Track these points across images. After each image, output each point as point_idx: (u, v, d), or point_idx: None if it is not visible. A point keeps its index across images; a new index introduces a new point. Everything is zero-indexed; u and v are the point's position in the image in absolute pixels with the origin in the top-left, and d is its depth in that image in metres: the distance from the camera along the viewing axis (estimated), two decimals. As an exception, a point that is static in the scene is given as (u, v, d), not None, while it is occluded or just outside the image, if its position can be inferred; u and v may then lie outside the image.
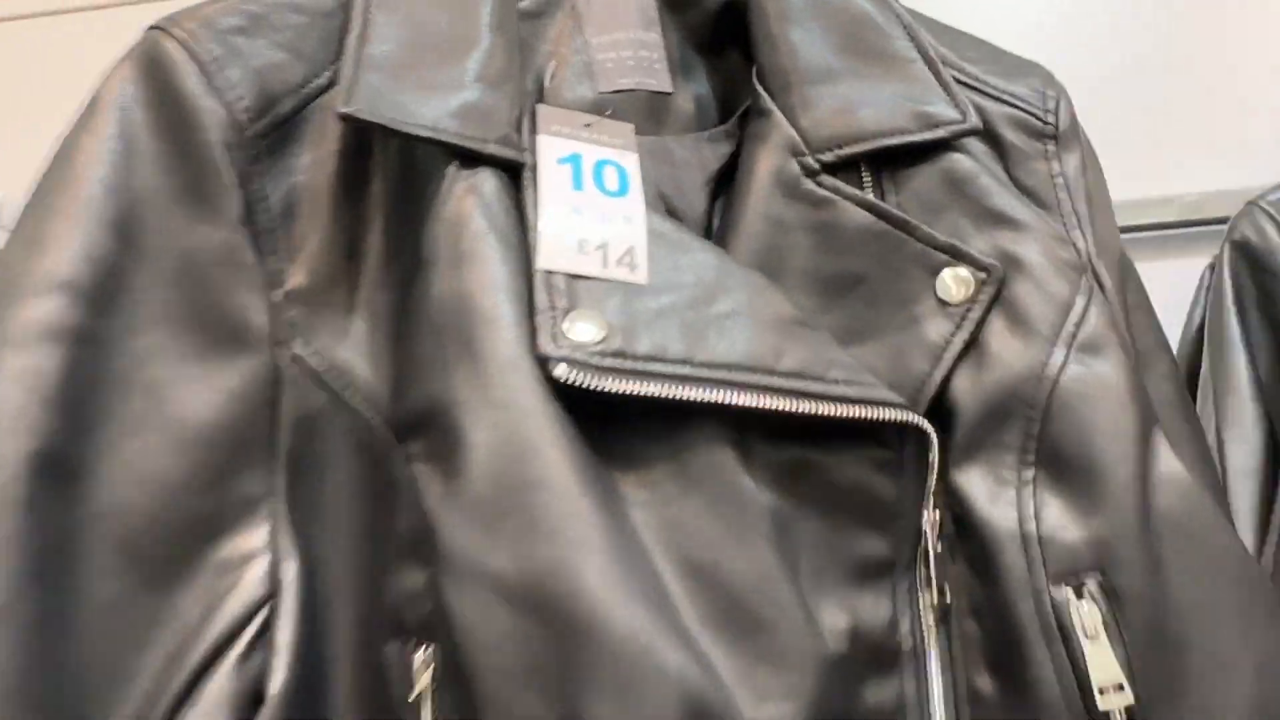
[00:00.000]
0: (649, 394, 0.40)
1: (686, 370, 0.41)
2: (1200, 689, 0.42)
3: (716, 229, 0.52)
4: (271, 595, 0.40)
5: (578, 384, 0.39)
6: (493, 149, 0.44)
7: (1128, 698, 0.41)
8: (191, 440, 0.40)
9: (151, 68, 0.43)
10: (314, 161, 0.45)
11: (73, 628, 0.37)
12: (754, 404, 0.41)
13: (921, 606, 0.45)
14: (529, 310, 0.41)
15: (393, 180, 0.46)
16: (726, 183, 0.53)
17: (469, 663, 0.37)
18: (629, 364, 0.41)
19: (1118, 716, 0.41)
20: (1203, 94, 1.02)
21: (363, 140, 0.46)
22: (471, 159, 0.44)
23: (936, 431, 0.45)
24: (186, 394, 0.41)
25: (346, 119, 0.42)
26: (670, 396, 0.41)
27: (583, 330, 0.41)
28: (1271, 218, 0.80)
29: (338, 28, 0.46)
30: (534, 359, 0.40)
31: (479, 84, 0.46)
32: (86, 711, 0.36)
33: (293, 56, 0.46)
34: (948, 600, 0.45)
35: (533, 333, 0.40)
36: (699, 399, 0.41)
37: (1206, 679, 0.42)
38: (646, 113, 0.53)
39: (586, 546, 0.37)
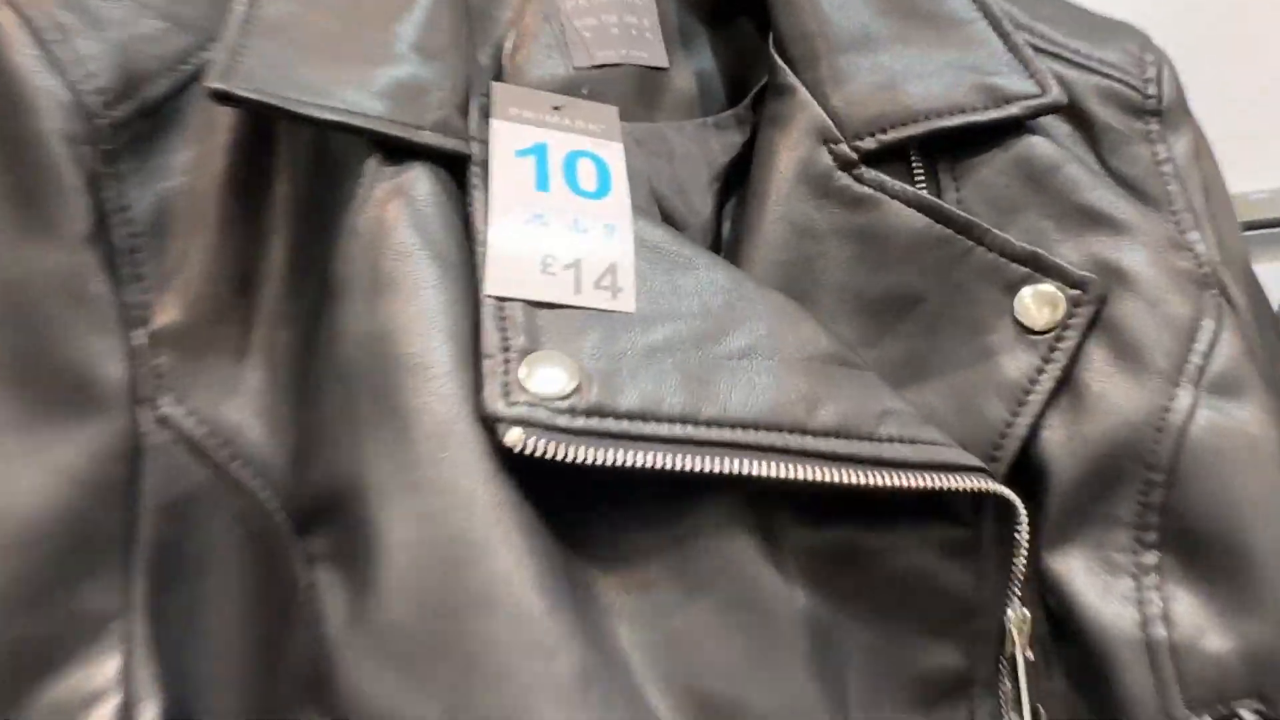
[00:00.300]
0: (639, 465, 0.29)
1: (689, 431, 0.30)
2: None
3: (727, 239, 0.41)
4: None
5: (539, 454, 0.28)
6: (428, 138, 0.33)
7: None
8: (12, 542, 0.29)
9: (-27, 39, 0.33)
10: (197, 160, 0.34)
11: None
12: (782, 475, 0.30)
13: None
14: (472, 354, 0.30)
15: (302, 183, 0.35)
16: (738, 180, 0.42)
17: None
18: (610, 424, 0.30)
19: None
20: None
21: (265, 131, 0.35)
22: (400, 152, 0.33)
23: (1023, 501, 0.34)
24: (6, 480, 0.30)
25: (220, 98, 0.31)
26: (668, 468, 0.29)
27: (546, 379, 0.30)
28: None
29: None
30: (477, 421, 0.29)
31: (414, 55, 0.35)
32: None
33: (171, 25, 0.35)
34: (1043, 725, 0.34)
35: (477, 384, 0.30)
36: (707, 470, 0.30)
37: None
38: (635, 93, 0.42)
39: (551, 693, 0.26)
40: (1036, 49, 0.40)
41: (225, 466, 0.32)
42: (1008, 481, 0.34)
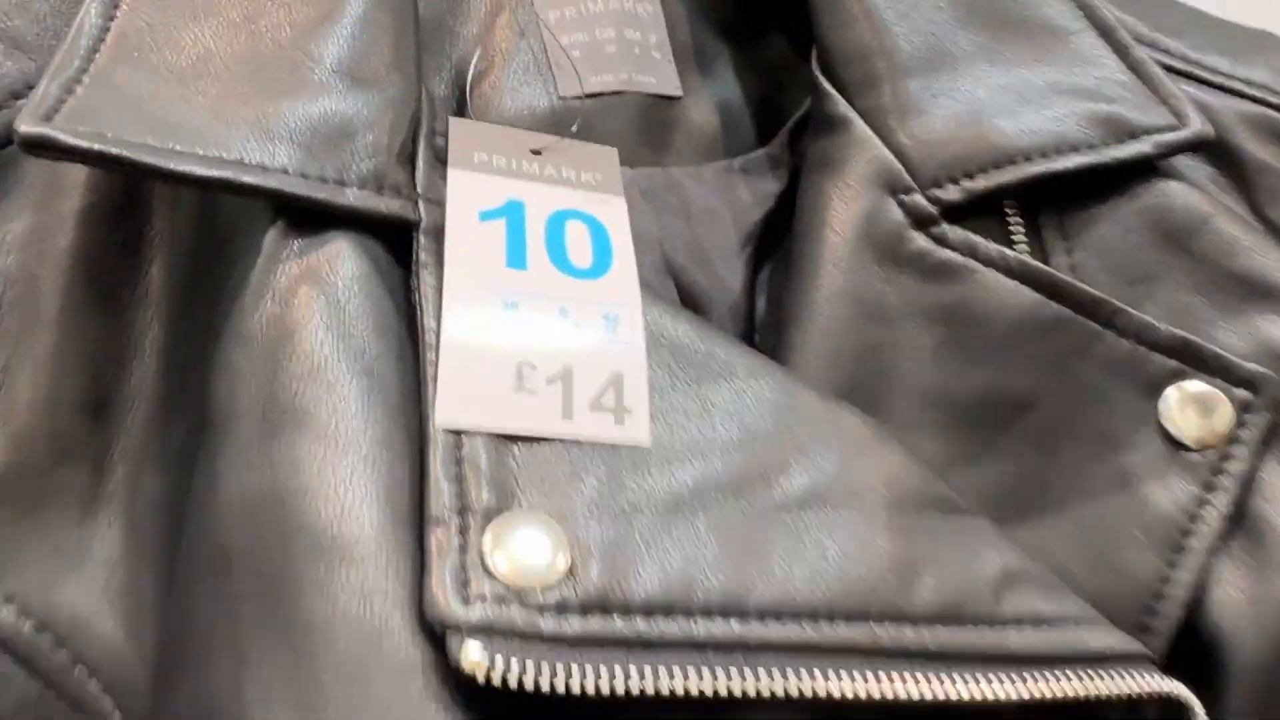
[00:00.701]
0: (663, 692, 0.19)
1: (735, 630, 0.20)
2: None
3: (763, 321, 0.31)
4: None
5: (510, 683, 0.18)
6: (353, 198, 0.24)
7: None
8: None
9: None
10: (33, 231, 0.25)
11: None
12: (873, 694, 0.20)
13: None
14: (413, 521, 0.20)
15: (184, 258, 0.25)
16: (774, 241, 0.32)
17: None
18: (619, 626, 0.20)
19: None
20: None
21: (134, 194, 0.26)
22: (314, 219, 0.23)
23: (1194, 691, 0.24)
24: None
25: (35, 146, 0.21)
26: (707, 693, 0.20)
27: (523, 556, 0.20)
28: None
29: None
30: (419, 631, 0.19)
31: (337, 82, 0.25)
32: None
33: (8, 47, 0.26)
34: None
35: (419, 570, 0.20)
36: (763, 693, 0.20)
37: None
38: (640, 129, 0.32)
39: None
40: (1166, 68, 0.31)
41: (60, 677, 0.22)
42: (1167, 663, 0.25)
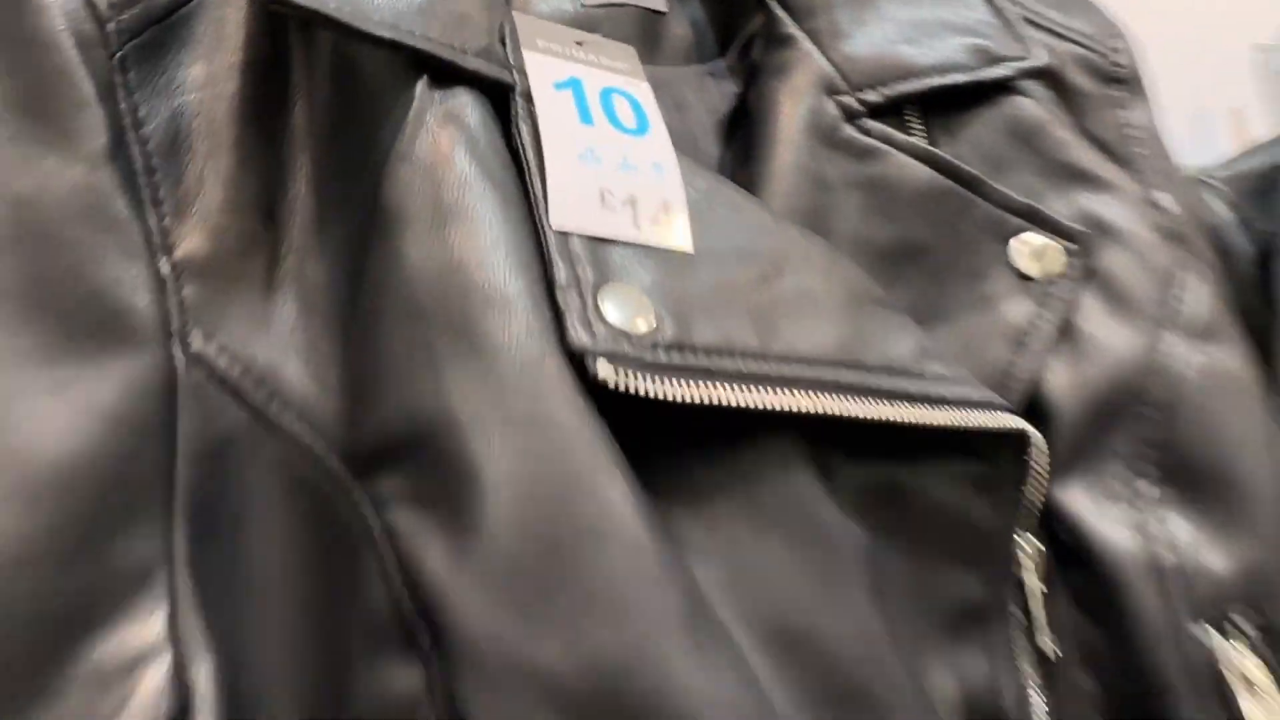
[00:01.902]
0: (721, 402, 0.29)
1: (763, 368, 0.30)
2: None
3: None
4: (181, 715, 0.26)
5: (628, 389, 0.28)
6: (476, 64, 0.32)
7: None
8: (43, 488, 0.26)
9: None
10: (209, 75, 0.32)
11: None
12: (846, 411, 0.31)
13: (1022, 661, 0.35)
14: (545, 287, 0.29)
15: (324, 105, 0.33)
16: (733, 131, 0.42)
17: None
18: (690, 359, 0.29)
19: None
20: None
21: (278, 48, 0.33)
22: (445, 77, 0.31)
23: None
24: (29, 418, 0.26)
25: (272, 5, 0.29)
26: (745, 405, 0.29)
27: (624, 314, 0.29)
28: (1223, 193, 0.75)
29: None
30: (563, 355, 0.28)
31: None
32: None
33: None
34: (1054, 650, 0.36)
35: (556, 318, 0.29)
36: (781, 407, 0.30)
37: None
38: (638, 36, 0.41)
39: (669, 625, 0.26)
40: (1020, 17, 0.43)
41: (263, 408, 0.30)
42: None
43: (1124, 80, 0.44)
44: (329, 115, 0.32)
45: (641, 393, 0.28)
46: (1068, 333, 0.38)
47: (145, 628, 0.27)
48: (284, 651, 0.29)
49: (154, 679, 0.27)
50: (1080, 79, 0.44)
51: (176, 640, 0.27)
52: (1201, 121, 1.06)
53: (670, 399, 0.28)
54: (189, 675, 0.27)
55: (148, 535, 0.27)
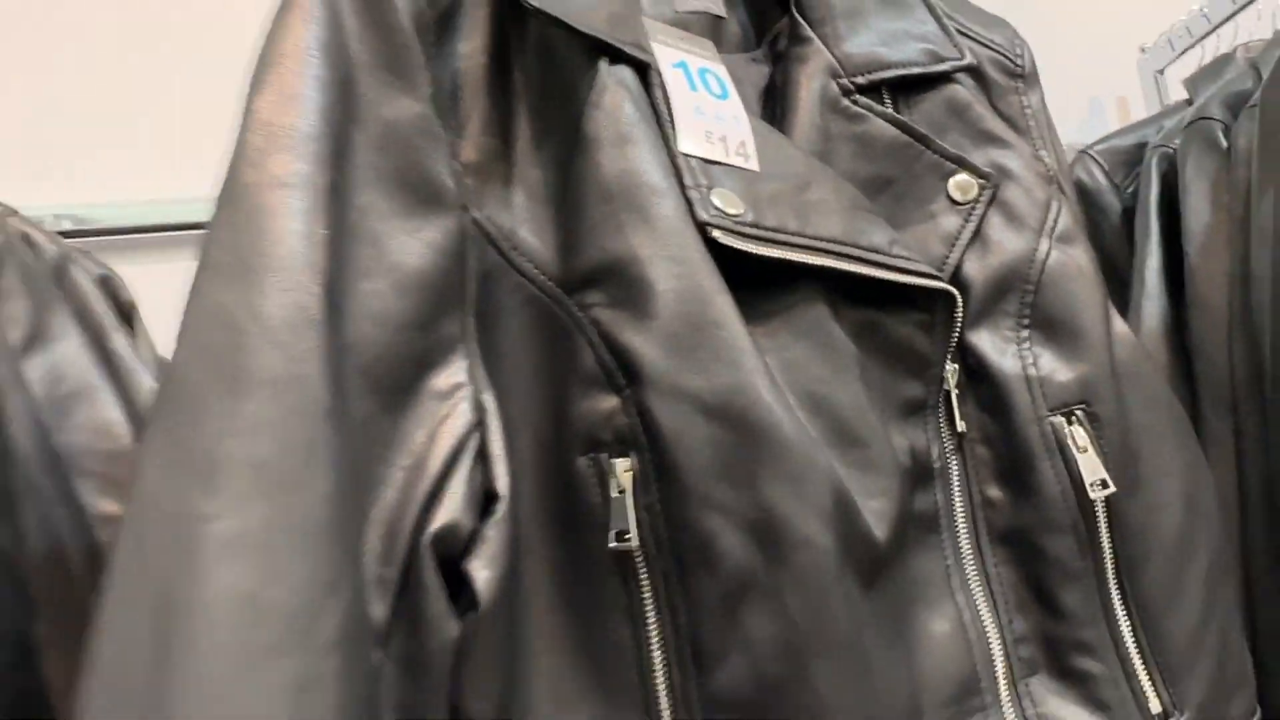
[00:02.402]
0: (778, 257, 0.50)
1: (802, 241, 0.51)
2: (1151, 486, 0.57)
3: (770, 135, 0.62)
4: (480, 419, 0.47)
5: (730, 245, 0.49)
6: (631, 50, 0.52)
7: (1109, 490, 0.55)
8: (407, 285, 0.46)
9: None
10: (469, 51, 0.51)
11: (350, 431, 0.42)
12: (849, 269, 0.52)
13: (945, 436, 0.57)
14: (679, 185, 0.50)
15: (531, 72, 0.53)
16: (768, 97, 0.63)
17: (672, 464, 0.46)
18: (763, 233, 0.50)
19: (1099, 505, 0.55)
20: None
21: (504, 35, 0.52)
22: (614, 57, 0.52)
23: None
24: (400, 245, 0.46)
25: (543, 20, 0.49)
26: (794, 261, 0.50)
27: (724, 203, 0.50)
28: (1099, 163, 0.98)
29: None
30: (695, 224, 0.49)
31: None
32: (362, 504, 0.42)
33: None
34: (962, 430, 0.57)
35: (688, 204, 0.49)
36: (811, 264, 0.51)
37: (1155, 479, 0.57)
38: (711, 33, 0.62)
39: (757, 373, 0.47)
40: (956, 29, 0.64)
41: (507, 254, 0.50)
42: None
43: (1023, 75, 0.66)
44: (536, 78, 0.52)
45: (736, 248, 0.49)
46: (979, 237, 0.59)
47: (457, 372, 0.47)
48: (522, 392, 0.49)
49: (465, 398, 0.47)
50: (994, 74, 0.65)
51: (473, 379, 0.47)
52: (1095, 106, 1.30)
53: (751, 252, 0.49)
54: (483, 399, 0.47)
55: (456, 320, 0.47)
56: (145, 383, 0.76)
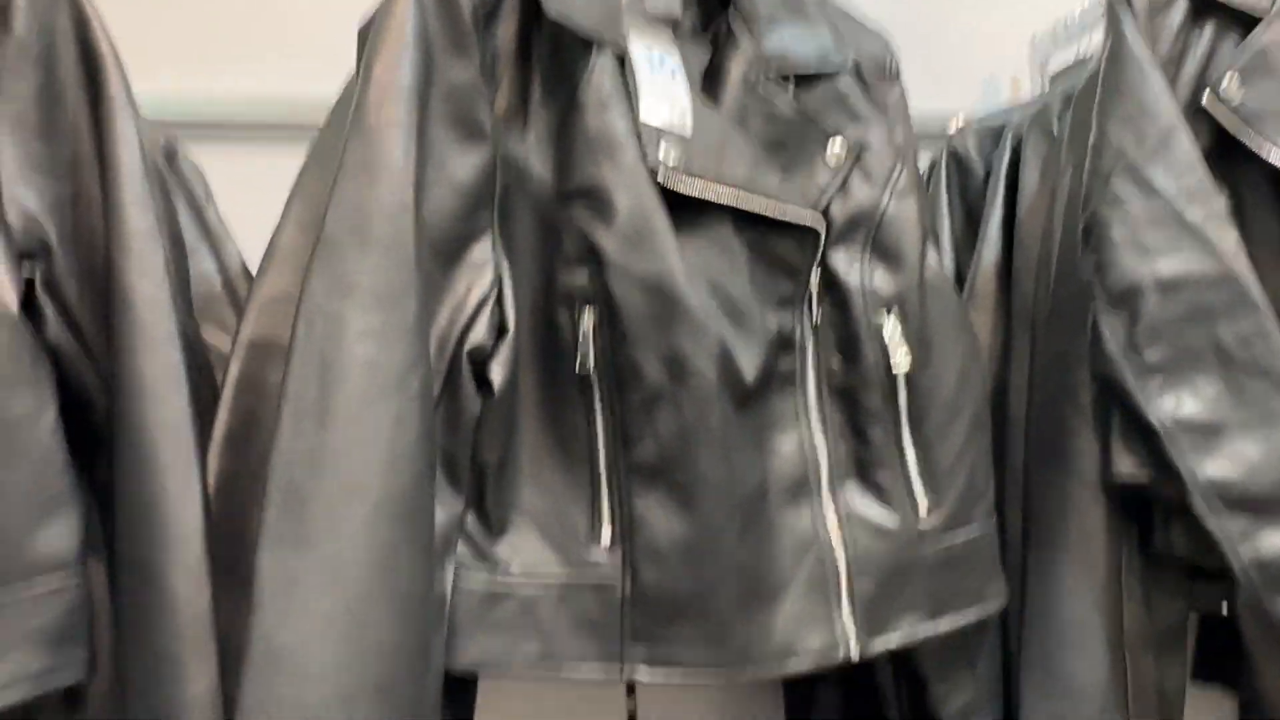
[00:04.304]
0: (698, 194, 0.76)
1: (717, 183, 0.78)
2: (936, 363, 0.85)
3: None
4: (498, 280, 0.73)
5: (668, 182, 0.75)
6: (617, 42, 0.77)
7: (907, 364, 0.83)
8: (459, 190, 0.72)
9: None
10: (505, 35, 0.77)
11: (424, 278, 0.68)
12: (748, 206, 0.79)
13: (805, 323, 0.84)
14: (638, 140, 0.75)
15: (544, 53, 0.78)
16: (706, 76, 0.88)
17: (619, 317, 0.73)
18: (691, 177, 0.76)
19: (900, 374, 0.83)
20: (932, 35, 1.47)
21: (528, 26, 0.78)
22: (601, 46, 0.77)
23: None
24: (455, 165, 0.72)
25: (555, 21, 0.74)
26: (709, 197, 0.77)
27: (668, 156, 0.76)
28: (973, 136, 1.25)
29: None
30: (646, 168, 0.75)
31: None
32: (430, 323, 0.69)
33: None
34: (817, 320, 0.85)
35: (643, 153, 0.75)
36: (724, 200, 0.77)
37: (939, 360, 0.86)
38: (669, 24, 0.87)
39: (678, 265, 0.74)
40: (847, 38, 0.90)
41: (523, 178, 0.76)
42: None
43: (891, 76, 0.92)
44: (548, 57, 0.78)
45: (672, 185, 0.75)
46: (844, 188, 0.86)
47: (487, 248, 0.73)
48: (527, 266, 0.75)
49: (490, 266, 0.73)
50: (870, 73, 0.91)
51: (495, 255, 0.73)
52: (991, 84, 1.56)
53: (683, 191, 0.75)
54: (500, 268, 0.73)
55: (487, 216, 0.73)
56: (231, 248, 1.01)
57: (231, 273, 1.00)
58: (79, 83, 0.69)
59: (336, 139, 0.78)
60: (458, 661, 0.70)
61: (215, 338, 0.94)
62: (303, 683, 0.58)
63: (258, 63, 1.22)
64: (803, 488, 0.81)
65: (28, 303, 0.65)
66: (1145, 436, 0.86)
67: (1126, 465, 0.87)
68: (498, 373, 0.71)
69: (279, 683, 0.57)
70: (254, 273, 0.93)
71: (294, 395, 0.61)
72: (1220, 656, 1.14)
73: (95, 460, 0.70)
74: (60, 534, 0.63)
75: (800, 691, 1.09)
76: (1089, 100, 0.95)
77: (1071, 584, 0.90)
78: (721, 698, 1.24)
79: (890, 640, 0.82)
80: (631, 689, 1.12)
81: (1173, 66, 0.97)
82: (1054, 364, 0.96)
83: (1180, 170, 0.88)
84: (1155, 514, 0.92)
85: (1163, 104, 0.90)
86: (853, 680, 1.01)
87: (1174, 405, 0.85)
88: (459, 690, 0.76)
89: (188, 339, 0.69)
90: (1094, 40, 1.36)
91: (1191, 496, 0.83)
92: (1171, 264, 0.87)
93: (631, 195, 0.74)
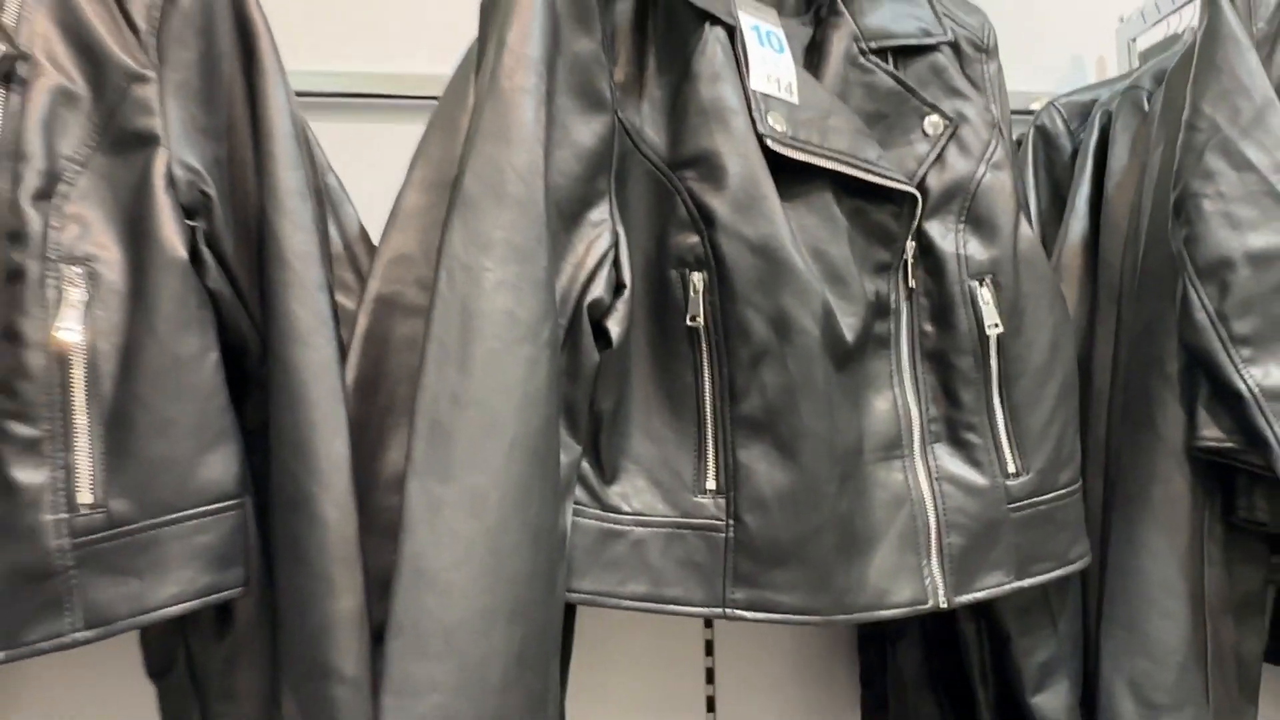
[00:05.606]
0: (805, 160, 0.80)
1: (822, 151, 0.81)
2: (1028, 330, 0.89)
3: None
4: (615, 240, 0.78)
5: (776, 150, 0.79)
6: (725, 17, 0.81)
7: (1000, 330, 0.86)
8: (581, 155, 0.76)
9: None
10: (623, 10, 0.81)
11: (551, 236, 0.73)
12: (849, 172, 0.82)
13: (901, 288, 0.88)
14: (749, 108, 0.80)
15: (660, 26, 0.82)
16: (809, 52, 0.92)
17: (728, 277, 0.77)
18: (797, 144, 0.80)
19: (992, 340, 0.87)
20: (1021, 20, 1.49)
21: (644, 3, 0.82)
22: (713, 21, 0.81)
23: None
24: (578, 131, 0.76)
25: None
26: (815, 164, 0.81)
27: (776, 124, 0.80)
28: (1060, 113, 1.27)
29: None
30: (755, 135, 0.79)
31: None
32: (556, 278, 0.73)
33: None
34: (913, 286, 0.88)
35: (753, 121, 0.79)
36: (827, 166, 0.81)
37: (1031, 327, 0.89)
38: (776, 3, 0.91)
39: (784, 229, 0.78)
40: (944, 14, 0.93)
41: (638, 145, 0.80)
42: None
43: (987, 50, 0.95)
44: (663, 30, 0.82)
45: (780, 152, 0.79)
46: (940, 159, 0.89)
47: (605, 210, 0.78)
48: (638, 227, 0.80)
49: (608, 227, 0.77)
50: (967, 48, 0.94)
51: (612, 217, 0.78)
52: (1077, 63, 1.57)
53: (788, 156, 0.79)
54: (617, 229, 0.78)
55: (606, 180, 0.78)
56: (349, 211, 1.07)
57: (350, 236, 1.06)
58: (234, 51, 0.75)
59: (458, 108, 0.83)
60: (573, 595, 0.75)
61: (338, 297, 1.00)
62: (447, 601, 0.63)
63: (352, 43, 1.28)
64: (896, 446, 0.85)
65: (193, 254, 0.71)
66: (1232, 405, 0.88)
67: (1212, 432, 0.90)
68: (614, 327, 0.76)
69: (426, 600, 0.63)
70: (371, 238, 0.99)
71: (437, 340, 0.67)
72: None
73: (245, 402, 0.76)
74: (223, 464, 0.69)
75: (876, 643, 1.13)
76: (1182, 76, 0.97)
77: (1155, 547, 0.93)
78: (795, 635, 1.28)
79: (977, 595, 0.85)
80: (709, 620, 1.17)
81: (1267, 45, 0.99)
82: (1142, 335, 0.98)
83: (1273, 146, 0.90)
84: (1238, 481, 0.94)
85: (1258, 81, 0.92)
86: (934, 634, 1.05)
87: (1262, 375, 0.87)
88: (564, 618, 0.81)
89: (331, 289, 0.75)
90: (1183, 20, 1.38)
91: (1277, 463, 0.85)
92: (1263, 237, 0.89)
93: (742, 161, 0.78)
